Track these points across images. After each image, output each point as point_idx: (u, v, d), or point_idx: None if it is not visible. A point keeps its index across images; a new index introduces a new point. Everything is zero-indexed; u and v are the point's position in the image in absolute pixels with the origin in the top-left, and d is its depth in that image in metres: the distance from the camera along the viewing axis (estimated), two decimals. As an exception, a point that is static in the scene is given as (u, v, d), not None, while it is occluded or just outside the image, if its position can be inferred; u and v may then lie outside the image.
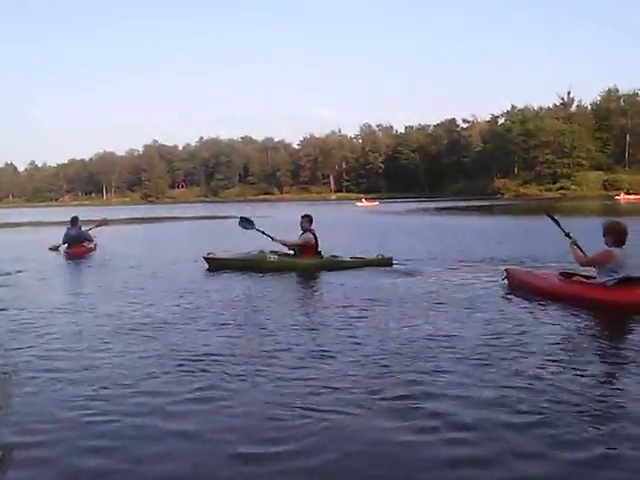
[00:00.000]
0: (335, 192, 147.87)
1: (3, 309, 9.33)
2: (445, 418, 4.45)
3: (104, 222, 22.50)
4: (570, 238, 9.60)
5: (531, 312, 8.22)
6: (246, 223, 14.66)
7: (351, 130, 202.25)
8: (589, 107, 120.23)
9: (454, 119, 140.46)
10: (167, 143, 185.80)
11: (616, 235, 8.63)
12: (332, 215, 41.59)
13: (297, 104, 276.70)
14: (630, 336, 7.14)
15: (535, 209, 34.52)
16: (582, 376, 5.34)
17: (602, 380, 5.33)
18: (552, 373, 5.41)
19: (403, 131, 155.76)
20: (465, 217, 40.22)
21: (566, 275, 9.46)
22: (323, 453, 3.95)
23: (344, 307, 8.75)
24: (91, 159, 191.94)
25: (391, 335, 6.91)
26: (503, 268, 10.96)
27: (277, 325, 7.59)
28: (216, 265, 13.72)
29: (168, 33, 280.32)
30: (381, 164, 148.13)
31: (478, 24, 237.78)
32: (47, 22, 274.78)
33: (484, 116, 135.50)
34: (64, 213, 45.19)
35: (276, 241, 13.85)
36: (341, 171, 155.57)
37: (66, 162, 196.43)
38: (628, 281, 8.32)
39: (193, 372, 5.63)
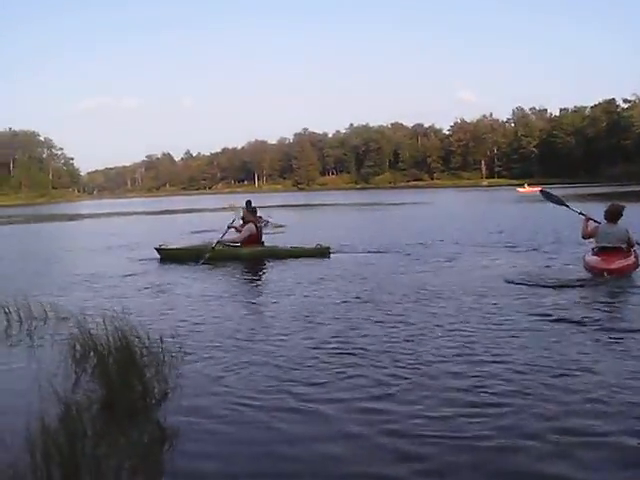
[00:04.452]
0: (487, 178, 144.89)
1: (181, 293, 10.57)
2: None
3: (279, 226, 25.03)
4: (584, 215, 11.66)
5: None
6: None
7: (503, 114, 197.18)
8: None
9: (613, 99, 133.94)
10: (317, 131, 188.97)
11: (607, 213, 10.95)
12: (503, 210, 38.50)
13: (444, 89, 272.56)
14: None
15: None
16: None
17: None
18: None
19: (558, 114, 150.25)
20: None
21: None
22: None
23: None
24: (243, 148, 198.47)
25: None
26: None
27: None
28: (167, 256, 14.73)
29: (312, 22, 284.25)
30: (534, 149, 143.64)
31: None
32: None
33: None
34: (220, 199, 47.39)
35: (228, 229, 15.15)
36: (493, 156, 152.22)
37: (219, 151, 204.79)
38: (602, 250, 10.78)
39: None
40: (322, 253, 14.52)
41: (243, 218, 15.25)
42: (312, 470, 3.92)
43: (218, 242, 14.67)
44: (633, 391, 4.90)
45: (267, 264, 13.71)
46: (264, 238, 15.39)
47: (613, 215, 10.89)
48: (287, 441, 4.29)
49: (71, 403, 4.36)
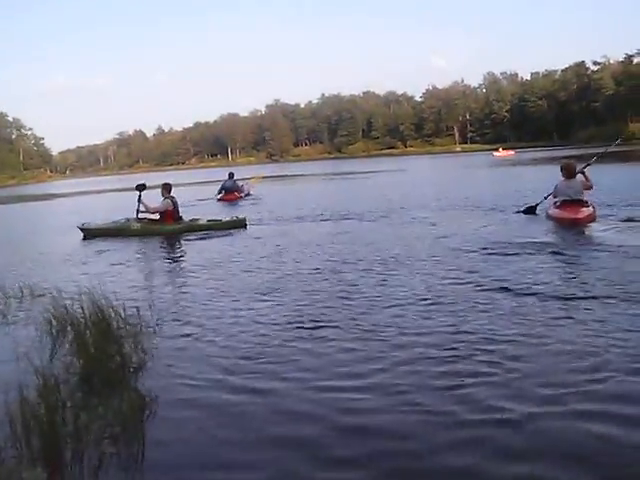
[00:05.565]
0: (460, 144, 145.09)
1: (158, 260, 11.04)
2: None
3: (259, 178, 29.15)
4: (550, 194, 13.02)
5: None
6: (140, 187, 15.40)
7: (474, 80, 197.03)
8: None
9: (583, 62, 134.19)
10: (289, 102, 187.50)
11: (564, 171, 12.52)
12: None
13: (416, 55, 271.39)
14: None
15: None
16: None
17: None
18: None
19: (529, 78, 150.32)
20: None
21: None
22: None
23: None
24: (215, 121, 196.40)
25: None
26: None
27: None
28: (90, 234, 15.08)
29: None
30: (506, 113, 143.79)
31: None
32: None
33: (617, 56, 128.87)
34: (192, 175, 47.16)
35: (142, 204, 15.12)
36: (465, 122, 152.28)
37: (191, 125, 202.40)
38: (564, 202, 12.20)
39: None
40: (239, 224, 14.98)
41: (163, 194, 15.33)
42: (288, 434, 4.00)
43: (138, 218, 15.17)
44: (596, 357, 4.86)
45: (211, 238, 13.79)
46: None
47: (569, 172, 12.49)
48: (264, 408, 4.37)
49: (49, 376, 4.38)
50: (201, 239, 13.69)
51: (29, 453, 3.70)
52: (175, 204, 15.17)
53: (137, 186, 15.34)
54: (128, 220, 15.26)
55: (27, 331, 6.51)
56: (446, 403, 4.22)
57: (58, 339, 5.98)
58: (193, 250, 12.51)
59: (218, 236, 13.84)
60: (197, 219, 15.49)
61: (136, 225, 15.00)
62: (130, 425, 4.06)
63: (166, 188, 15.27)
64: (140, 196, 15.12)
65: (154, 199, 15.67)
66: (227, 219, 15.30)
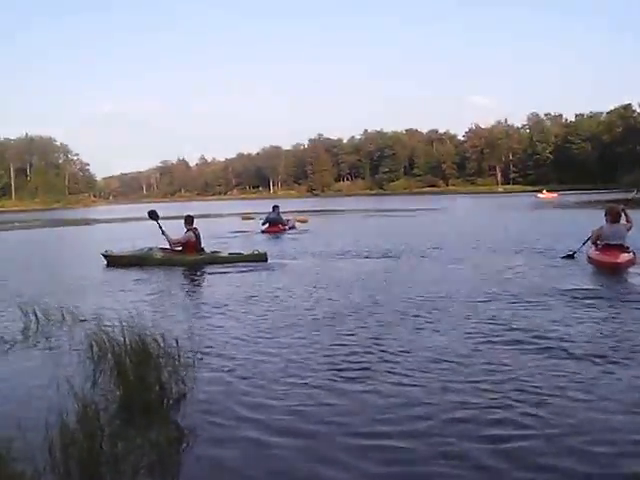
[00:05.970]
0: (502, 184, 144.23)
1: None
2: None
3: (304, 220, 30.14)
4: (589, 238, 13.12)
5: None
6: (153, 215, 15.76)
7: (518, 120, 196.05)
8: None
9: (630, 104, 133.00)
10: (331, 137, 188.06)
11: (608, 215, 12.61)
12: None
13: (457, 93, 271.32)
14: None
15: None
16: None
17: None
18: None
19: (573, 119, 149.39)
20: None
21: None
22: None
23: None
24: (258, 153, 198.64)
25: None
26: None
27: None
28: (113, 261, 15.21)
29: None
30: (549, 154, 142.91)
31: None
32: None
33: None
34: (234, 206, 47.50)
35: (165, 236, 15.26)
36: (508, 163, 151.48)
37: (234, 157, 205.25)
38: (605, 246, 12.40)
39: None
40: (260, 258, 14.87)
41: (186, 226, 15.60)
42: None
43: (161, 248, 15.39)
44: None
45: (249, 270, 13.76)
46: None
47: (614, 216, 12.60)
48: (298, 450, 4.32)
49: (89, 403, 4.43)
50: (240, 271, 13.60)
51: (67, 479, 3.73)
52: (197, 236, 15.42)
53: (150, 215, 15.73)
54: (151, 249, 15.42)
55: (69, 356, 6.63)
56: (484, 457, 4.11)
57: (99, 365, 6.06)
58: (223, 282, 12.46)
59: (251, 270, 13.76)
60: (218, 251, 15.66)
61: (158, 254, 15.17)
62: (166, 457, 4.09)
63: (188, 220, 15.58)
64: (160, 225, 15.42)
65: (176, 231, 15.88)
66: (248, 253, 15.21)
